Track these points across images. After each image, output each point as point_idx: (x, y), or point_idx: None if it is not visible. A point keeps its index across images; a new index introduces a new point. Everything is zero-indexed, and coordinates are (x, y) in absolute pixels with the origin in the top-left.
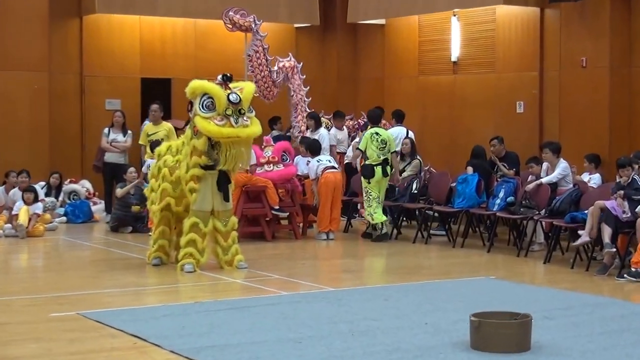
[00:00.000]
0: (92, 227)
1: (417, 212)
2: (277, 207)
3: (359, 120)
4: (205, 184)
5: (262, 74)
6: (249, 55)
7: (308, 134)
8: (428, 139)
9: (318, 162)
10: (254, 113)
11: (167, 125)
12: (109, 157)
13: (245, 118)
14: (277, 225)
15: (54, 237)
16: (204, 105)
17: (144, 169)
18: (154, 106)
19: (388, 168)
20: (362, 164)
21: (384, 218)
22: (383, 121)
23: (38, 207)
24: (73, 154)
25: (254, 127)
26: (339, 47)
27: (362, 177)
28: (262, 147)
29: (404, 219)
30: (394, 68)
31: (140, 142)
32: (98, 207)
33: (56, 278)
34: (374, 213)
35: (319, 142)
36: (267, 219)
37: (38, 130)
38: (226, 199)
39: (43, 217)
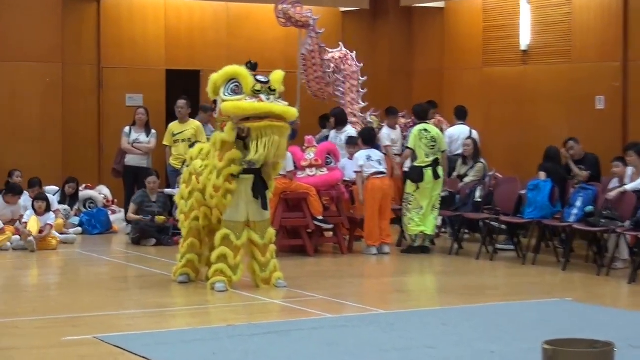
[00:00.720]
0: (110, 239)
1: (480, 224)
2: (320, 218)
3: (413, 118)
4: (239, 190)
5: (316, 74)
6: (303, 55)
7: (332, 134)
8: (493, 139)
9: (368, 158)
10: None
11: (195, 124)
12: (130, 160)
13: (277, 96)
14: (321, 238)
15: (67, 251)
16: (229, 91)
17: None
18: (180, 102)
19: (439, 169)
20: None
21: (420, 229)
22: (438, 117)
23: (50, 218)
24: (89, 156)
25: (290, 108)
26: (392, 35)
27: (407, 181)
28: (304, 148)
29: (466, 231)
30: (454, 58)
31: (165, 142)
32: (117, 217)
33: (70, 297)
34: (409, 223)
35: (374, 131)
36: (309, 230)
37: (50, 129)
38: (264, 207)
39: (56, 228)
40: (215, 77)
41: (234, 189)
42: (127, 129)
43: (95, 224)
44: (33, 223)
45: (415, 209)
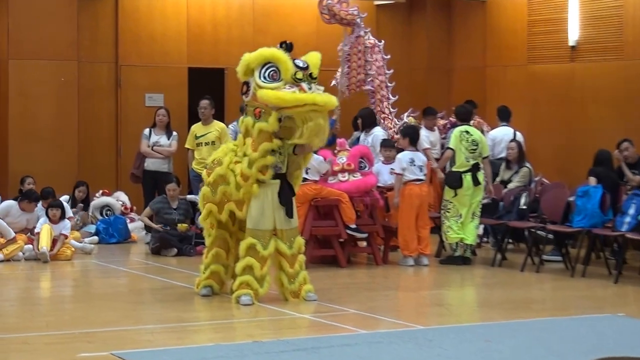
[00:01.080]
0: (128, 248)
1: (526, 233)
2: (353, 226)
3: (451, 119)
4: (264, 196)
5: (358, 77)
6: (348, 55)
7: (362, 137)
8: (539, 141)
9: (411, 162)
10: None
11: (219, 125)
12: (150, 164)
13: (318, 85)
14: (354, 248)
15: (83, 261)
16: (266, 76)
17: None
18: (204, 102)
19: (480, 175)
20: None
21: (460, 237)
22: (478, 119)
23: (66, 227)
24: (106, 160)
25: (331, 97)
26: (429, 29)
27: (445, 187)
28: (335, 151)
29: (510, 240)
30: (497, 54)
31: (187, 145)
32: (136, 225)
33: (85, 311)
34: (447, 232)
35: (418, 129)
36: (341, 240)
37: (64, 132)
38: (289, 214)
39: (71, 237)
40: (249, 58)
41: (267, 179)
42: (146, 131)
43: (113, 233)
44: (45, 236)
45: (454, 217)
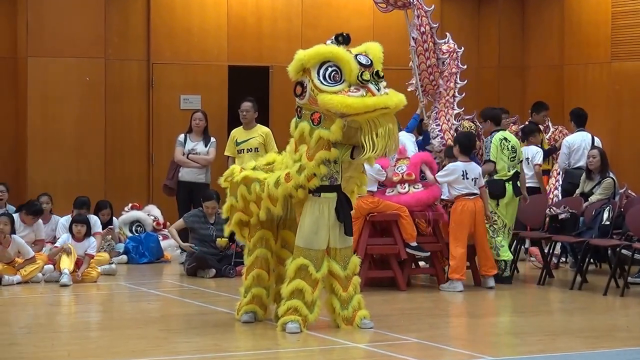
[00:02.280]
0: (161, 269)
1: (609, 252)
2: (414, 244)
3: (527, 122)
4: (319, 211)
5: (428, 62)
6: (414, 39)
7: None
8: (624, 149)
9: (464, 175)
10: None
11: (262, 130)
12: (185, 174)
13: (383, 81)
14: (414, 269)
15: (110, 283)
16: (326, 77)
17: None
18: (246, 104)
19: (519, 184)
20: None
21: (511, 255)
22: (549, 123)
23: (91, 245)
24: (136, 169)
25: (400, 96)
26: (501, 23)
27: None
28: (394, 160)
29: (592, 261)
30: (576, 51)
31: (227, 153)
32: (170, 242)
33: (113, 339)
34: (500, 247)
35: (473, 137)
36: (401, 260)
37: (90, 138)
38: (348, 231)
39: (99, 260)
40: (304, 56)
41: (323, 173)
42: (181, 137)
43: (143, 252)
44: (66, 259)
45: (502, 228)
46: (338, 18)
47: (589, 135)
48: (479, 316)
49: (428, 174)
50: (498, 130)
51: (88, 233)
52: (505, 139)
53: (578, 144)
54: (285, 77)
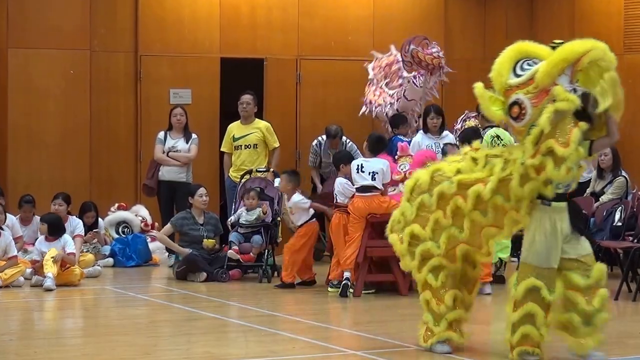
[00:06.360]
0: (149, 272)
1: (621, 254)
2: None
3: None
4: (551, 224)
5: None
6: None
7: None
8: (638, 146)
9: None
10: None
11: (261, 124)
12: (166, 173)
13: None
14: None
15: (94, 287)
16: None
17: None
18: (246, 97)
19: None
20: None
21: (503, 255)
22: None
23: (67, 243)
24: (124, 167)
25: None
26: (509, 13)
27: None
28: (396, 157)
29: (604, 262)
30: None
31: (223, 149)
32: (158, 245)
33: (98, 346)
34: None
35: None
36: None
37: (74, 133)
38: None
39: (83, 264)
40: (550, 64)
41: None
42: (161, 134)
43: (131, 254)
44: (50, 263)
45: None
46: (336, 6)
47: None
48: (488, 322)
49: None
50: (492, 127)
51: (59, 233)
52: (498, 136)
53: None
54: (280, 70)
